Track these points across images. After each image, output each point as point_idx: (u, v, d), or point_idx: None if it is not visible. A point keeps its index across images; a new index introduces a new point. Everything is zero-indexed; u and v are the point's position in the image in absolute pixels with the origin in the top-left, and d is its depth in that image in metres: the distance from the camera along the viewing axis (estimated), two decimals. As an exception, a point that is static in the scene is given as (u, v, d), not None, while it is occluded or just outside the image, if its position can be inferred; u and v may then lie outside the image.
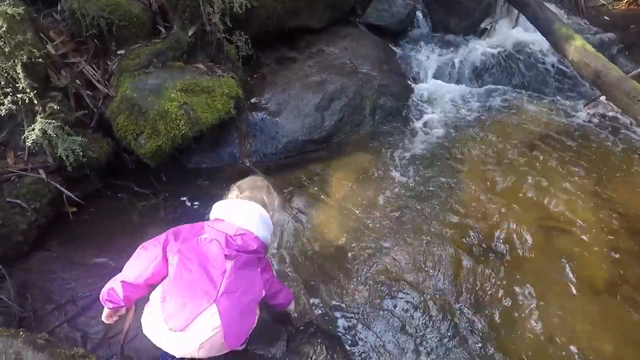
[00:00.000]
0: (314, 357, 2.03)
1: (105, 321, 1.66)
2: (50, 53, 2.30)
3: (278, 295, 1.88)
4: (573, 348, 2.12)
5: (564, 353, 2.11)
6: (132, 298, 1.56)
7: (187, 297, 1.46)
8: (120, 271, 1.57)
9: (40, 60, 2.17)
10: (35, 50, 2.14)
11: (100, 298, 1.56)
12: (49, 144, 2.22)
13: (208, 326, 1.46)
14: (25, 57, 2.07)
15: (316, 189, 2.98)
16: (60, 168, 2.33)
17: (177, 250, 1.52)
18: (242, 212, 1.64)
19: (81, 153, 2.31)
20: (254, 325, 1.66)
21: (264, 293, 1.67)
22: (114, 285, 1.52)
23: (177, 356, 1.55)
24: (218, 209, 1.67)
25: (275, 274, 1.91)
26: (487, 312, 2.27)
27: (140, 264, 1.53)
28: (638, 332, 2.17)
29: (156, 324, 1.49)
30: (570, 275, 2.42)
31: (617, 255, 2.50)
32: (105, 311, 1.63)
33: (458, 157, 3.25)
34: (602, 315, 2.24)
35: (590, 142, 3.34)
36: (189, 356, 1.52)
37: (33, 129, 2.11)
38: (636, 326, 2.19)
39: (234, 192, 1.76)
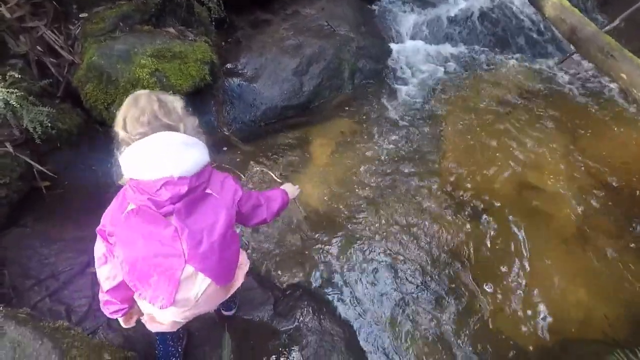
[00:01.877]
0: (300, 318, 2.08)
1: (127, 326, 1.59)
2: (5, 16, 2.13)
3: (260, 210, 1.57)
4: (543, 294, 2.24)
5: (535, 299, 2.22)
6: (129, 296, 1.46)
7: (155, 274, 1.33)
8: None
9: (-6, 24, 2.02)
10: (-13, 14, 1.99)
11: (107, 314, 1.48)
12: (13, 115, 2.10)
13: (195, 285, 1.38)
14: (-24, 21, 1.93)
15: (297, 155, 2.96)
16: (28, 141, 2.22)
17: (114, 240, 1.34)
18: (146, 159, 1.27)
19: (49, 124, 2.20)
20: (239, 248, 1.54)
21: (237, 208, 1.44)
22: (105, 299, 1.45)
23: (183, 320, 1.52)
24: (124, 168, 1.32)
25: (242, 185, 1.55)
26: (467, 267, 2.35)
27: (105, 267, 1.41)
28: (604, 278, 2.30)
29: (149, 309, 1.47)
30: (544, 228, 2.51)
31: (587, 208, 2.61)
32: (120, 320, 1.55)
33: (437, 116, 3.26)
34: (572, 264, 2.36)
35: (564, 99, 3.39)
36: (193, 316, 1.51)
37: (-6, 100, 1.98)
38: (601, 273, 2.32)
39: (120, 134, 1.33)
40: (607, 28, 3.10)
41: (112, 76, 2.44)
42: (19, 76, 2.07)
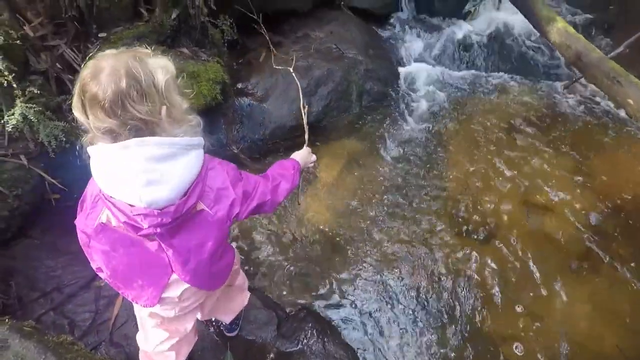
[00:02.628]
0: (304, 341, 2.05)
1: None
2: (28, 35, 2.22)
3: (263, 208, 1.31)
4: (553, 324, 2.19)
5: (546, 329, 2.17)
6: None
7: (140, 279, 1.22)
8: None
9: (18, 42, 2.10)
10: (12, 32, 2.07)
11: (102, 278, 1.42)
12: (30, 129, 2.15)
13: (180, 287, 1.28)
14: (1, 38, 2.00)
15: (304, 174, 2.98)
16: (42, 154, 2.27)
17: (91, 243, 1.18)
18: (116, 180, 0.99)
19: (64, 139, 2.25)
20: (233, 259, 1.42)
21: (231, 222, 1.21)
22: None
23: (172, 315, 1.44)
24: (92, 171, 1.03)
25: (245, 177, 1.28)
26: (474, 291, 2.32)
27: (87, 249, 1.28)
28: (615, 305, 2.26)
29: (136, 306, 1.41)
30: (552, 254, 2.48)
31: (595, 233, 2.58)
32: None
33: (443, 139, 3.29)
34: (580, 292, 2.31)
35: (570, 122, 3.41)
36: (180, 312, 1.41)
37: (13, 114, 2.04)
38: (613, 300, 2.28)
39: (80, 119, 0.99)
40: (612, 54, 3.15)
41: (126, 93, 2.50)
42: (38, 92, 2.14)
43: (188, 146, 1.04)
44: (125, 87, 0.92)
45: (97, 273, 1.36)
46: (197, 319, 1.67)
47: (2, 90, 2.02)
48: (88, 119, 0.96)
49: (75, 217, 1.20)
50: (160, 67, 1.00)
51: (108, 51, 1.00)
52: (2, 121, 2.07)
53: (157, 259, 1.16)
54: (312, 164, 1.62)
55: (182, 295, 1.31)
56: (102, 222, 1.09)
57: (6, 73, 1.98)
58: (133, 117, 0.95)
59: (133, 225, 1.04)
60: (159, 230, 1.06)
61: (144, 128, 0.98)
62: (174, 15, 2.81)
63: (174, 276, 1.23)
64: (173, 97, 1.03)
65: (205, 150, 1.13)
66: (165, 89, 1.00)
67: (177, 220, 1.06)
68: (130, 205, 1.00)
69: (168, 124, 1.02)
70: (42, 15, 2.28)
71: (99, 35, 2.55)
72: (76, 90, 0.97)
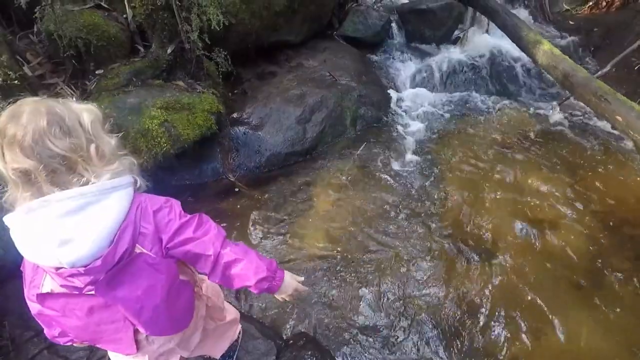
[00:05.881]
0: (304, 370, 2.00)
1: None
2: (26, 75, 2.29)
3: (209, 257, 1.12)
4: (559, 343, 2.15)
5: (551, 348, 2.13)
6: None
7: (106, 336, 1.15)
8: None
9: (16, 82, 2.16)
10: (11, 72, 2.13)
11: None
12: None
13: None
14: (0, 79, 2.06)
15: (301, 200, 2.99)
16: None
17: (46, 315, 1.10)
18: (34, 242, 0.93)
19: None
20: (193, 292, 1.30)
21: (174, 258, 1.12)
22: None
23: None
24: (13, 238, 0.96)
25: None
26: (475, 314, 2.28)
27: None
28: (619, 322, 2.21)
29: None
30: (553, 272, 2.46)
31: (595, 249, 2.57)
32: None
33: (438, 162, 3.31)
34: (585, 309, 2.28)
35: (563, 141, 3.45)
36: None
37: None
38: (617, 317, 2.23)
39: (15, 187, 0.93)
40: (599, 73, 3.23)
41: (122, 127, 2.55)
42: (35, 129, 2.18)
43: (105, 191, 0.97)
44: (47, 125, 0.90)
45: (53, 341, 1.22)
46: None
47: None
48: (5, 162, 0.90)
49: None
50: (84, 109, 0.99)
51: (29, 98, 0.96)
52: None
53: (112, 314, 1.09)
54: (293, 293, 1.37)
55: (148, 337, 1.23)
56: (41, 293, 1.03)
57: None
58: (52, 154, 0.91)
59: (70, 287, 0.98)
60: (97, 285, 0.99)
61: (64, 169, 0.93)
62: (169, 50, 2.89)
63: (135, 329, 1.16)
64: (101, 134, 1.01)
65: (146, 189, 1.09)
66: (92, 127, 0.98)
67: (113, 270, 0.99)
68: (56, 268, 0.95)
69: (99, 160, 0.99)
70: (41, 55, 2.35)
71: (96, 72, 2.62)
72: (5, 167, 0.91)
